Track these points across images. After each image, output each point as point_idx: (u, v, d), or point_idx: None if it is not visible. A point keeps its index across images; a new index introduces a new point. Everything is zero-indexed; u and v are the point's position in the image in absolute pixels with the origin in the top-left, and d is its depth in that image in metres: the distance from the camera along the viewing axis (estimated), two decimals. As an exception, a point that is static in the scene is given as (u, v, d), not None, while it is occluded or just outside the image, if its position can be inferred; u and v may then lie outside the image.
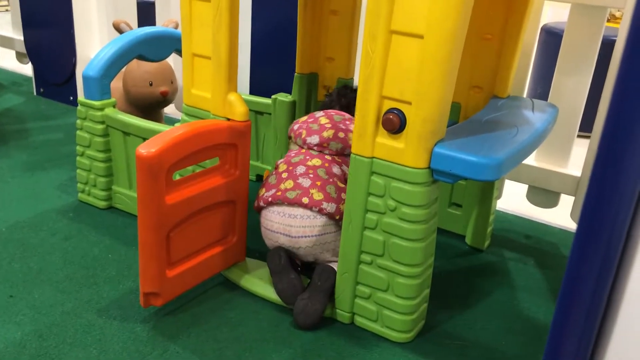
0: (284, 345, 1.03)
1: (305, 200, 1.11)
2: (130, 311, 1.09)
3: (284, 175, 1.17)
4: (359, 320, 1.09)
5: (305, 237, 1.11)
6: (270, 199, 1.14)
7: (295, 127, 1.26)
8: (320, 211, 1.11)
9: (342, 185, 1.14)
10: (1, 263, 1.22)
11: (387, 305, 1.04)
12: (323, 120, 1.24)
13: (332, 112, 1.28)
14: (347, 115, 1.27)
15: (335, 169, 1.17)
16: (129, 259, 1.26)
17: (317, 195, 1.12)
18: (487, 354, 1.06)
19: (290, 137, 1.28)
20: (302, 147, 1.22)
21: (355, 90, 1.36)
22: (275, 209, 1.13)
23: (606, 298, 0.62)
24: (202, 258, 1.13)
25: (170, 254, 1.06)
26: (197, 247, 1.12)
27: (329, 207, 1.11)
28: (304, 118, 1.28)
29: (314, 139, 1.20)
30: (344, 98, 1.35)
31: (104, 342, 1.01)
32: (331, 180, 1.15)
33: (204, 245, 1.14)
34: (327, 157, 1.19)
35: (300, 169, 1.16)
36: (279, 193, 1.13)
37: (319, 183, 1.13)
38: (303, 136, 1.22)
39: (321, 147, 1.20)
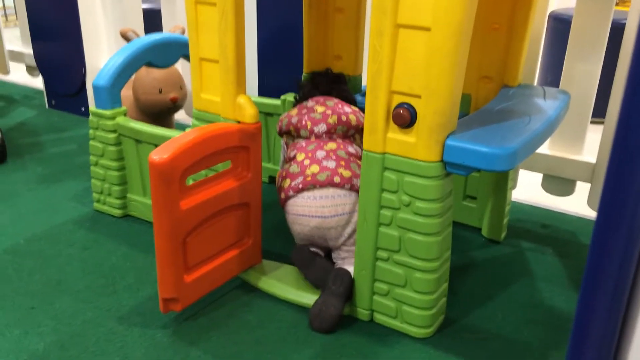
0: (304, 345, 1.03)
1: (336, 179, 1.15)
2: (150, 318, 1.10)
3: (306, 162, 1.19)
4: (378, 317, 1.08)
5: (338, 215, 1.14)
6: (301, 186, 1.16)
7: (294, 120, 1.27)
8: (352, 187, 1.15)
9: (360, 163, 1.18)
10: (21, 275, 1.23)
11: (406, 301, 1.03)
12: (320, 109, 1.26)
13: (320, 98, 1.30)
14: (335, 99, 1.30)
15: (350, 149, 1.22)
16: (146, 266, 1.26)
17: (346, 173, 1.16)
18: (509, 345, 1.05)
19: (288, 132, 1.29)
20: (310, 137, 1.24)
21: (325, 74, 1.41)
22: (306, 194, 1.16)
23: (630, 286, 0.61)
24: (218, 262, 1.13)
25: (187, 259, 1.06)
26: (214, 251, 1.12)
27: (358, 182, 1.13)
28: (295, 111, 1.29)
29: (321, 127, 1.23)
30: (321, 85, 1.37)
31: (126, 349, 1.02)
32: (351, 159, 1.20)
33: (220, 249, 1.14)
34: (338, 140, 1.23)
35: (321, 154, 1.20)
36: (309, 178, 1.16)
37: (343, 163, 1.18)
38: (309, 127, 1.24)
39: (329, 133, 1.23)
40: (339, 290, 1.07)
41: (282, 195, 1.20)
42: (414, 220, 0.97)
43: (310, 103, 1.30)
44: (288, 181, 1.19)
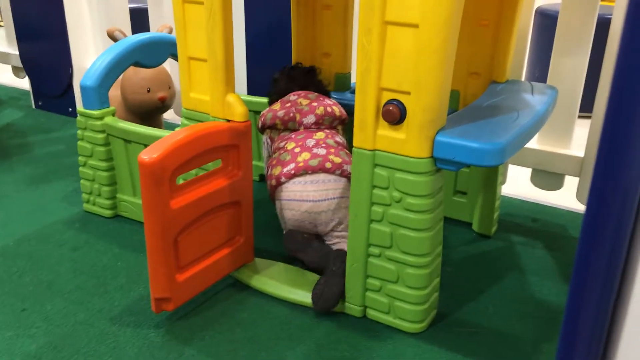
0: (298, 342, 1.04)
1: (328, 165, 1.18)
2: (142, 317, 1.10)
3: (297, 150, 1.22)
4: (370, 313, 1.09)
5: (328, 199, 1.17)
6: (293, 172, 1.18)
7: (280, 114, 1.28)
8: (342, 173, 1.18)
9: (349, 152, 1.22)
10: (11, 277, 1.22)
11: (398, 296, 1.04)
12: (304, 101, 1.29)
13: (301, 92, 1.33)
14: (315, 93, 1.34)
15: (338, 138, 1.26)
16: (138, 266, 1.26)
17: (336, 160, 1.19)
18: (500, 339, 1.06)
19: (272, 126, 1.30)
20: (298, 129, 1.27)
21: (295, 68, 1.41)
22: (297, 179, 1.18)
23: (619, 279, 0.62)
24: (211, 261, 1.13)
25: (179, 259, 1.06)
26: (206, 250, 1.12)
27: (349, 168, 1.16)
28: (278, 105, 1.31)
29: (310, 119, 1.27)
30: (298, 78, 1.38)
31: (119, 350, 1.02)
32: (340, 147, 1.24)
33: (212, 248, 1.14)
34: (325, 130, 1.27)
35: (311, 142, 1.23)
36: (301, 164, 1.18)
37: (332, 150, 1.21)
38: (298, 119, 1.27)
39: (317, 124, 1.27)
40: (339, 270, 1.09)
41: (273, 182, 1.21)
42: (405, 216, 0.98)
43: (292, 97, 1.32)
44: (279, 168, 1.20)
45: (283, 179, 1.19)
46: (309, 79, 1.39)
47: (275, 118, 1.29)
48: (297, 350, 1.02)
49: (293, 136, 1.26)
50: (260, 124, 1.33)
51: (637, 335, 0.60)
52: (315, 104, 1.28)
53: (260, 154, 1.67)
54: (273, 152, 1.28)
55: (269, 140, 1.33)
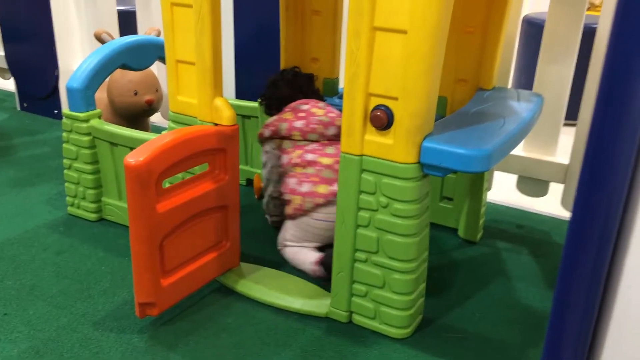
0: (283, 347, 1.03)
1: None
2: (126, 322, 1.09)
3: (337, 166, 1.19)
4: (357, 319, 1.09)
5: None
6: (322, 202, 1.18)
7: (298, 124, 1.26)
8: None
9: None
10: (-7, 281, 1.20)
11: (384, 302, 1.04)
12: (319, 112, 1.28)
13: (311, 101, 1.32)
14: (322, 102, 1.33)
15: None
16: (122, 270, 1.25)
17: None
18: (486, 344, 1.06)
19: (288, 136, 1.27)
20: (319, 140, 1.25)
21: (297, 74, 1.39)
22: (329, 209, 1.18)
23: (603, 285, 0.63)
24: (196, 265, 1.12)
25: (164, 263, 1.05)
26: (191, 255, 1.12)
27: None
28: (290, 115, 1.28)
29: (332, 130, 1.26)
30: (304, 87, 1.37)
31: (102, 355, 1.00)
32: None
33: (197, 252, 1.13)
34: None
35: (328, 173, 1.21)
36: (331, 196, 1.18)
37: None
38: (319, 130, 1.25)
39: (337, 135, 1.24)
40: None
41: (320, 201, 1.18)
42: (392, 222, 0.98)
43: (304, 106, 1.29)
44: (325, 187, 1.18)
45: (332, 198, 1.17)
46: (310, 87, 1.37)
47: (292, 129, 1.25)
48: (283, 356, 1.01)
49: (321, 149, 1.23)
50: (269, 133, 1.28)
51: (622, 341, 0.61)
52: (332, 114, 1.27)
53: (247, 158, 1.67)
54: (292, 165, 1.24)
55: (277, 152, 1.28)
